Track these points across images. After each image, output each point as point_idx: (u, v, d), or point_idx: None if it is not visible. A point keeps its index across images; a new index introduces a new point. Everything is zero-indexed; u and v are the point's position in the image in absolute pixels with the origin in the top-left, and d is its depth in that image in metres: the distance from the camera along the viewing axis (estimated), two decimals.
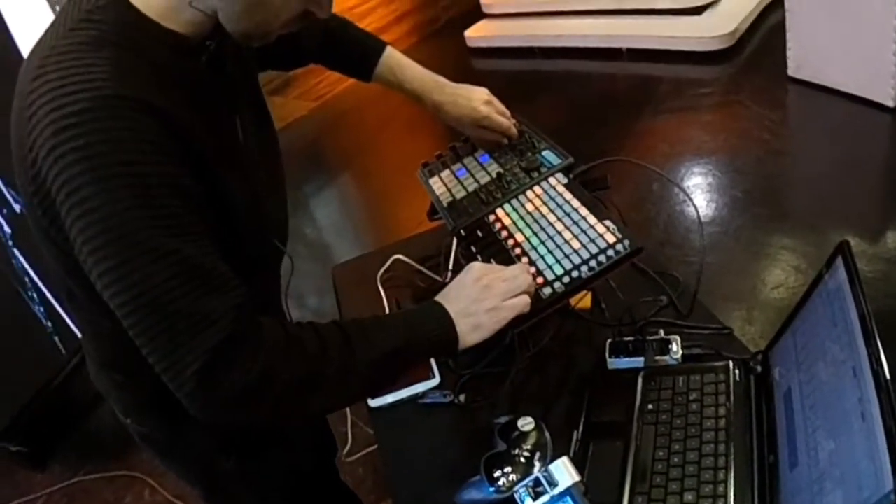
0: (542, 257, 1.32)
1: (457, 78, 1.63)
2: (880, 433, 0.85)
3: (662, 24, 5.33)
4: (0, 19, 3.10)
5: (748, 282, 3.07)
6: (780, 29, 4.30)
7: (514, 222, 1.43)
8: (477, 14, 6.58)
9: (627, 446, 1.23)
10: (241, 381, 0.97)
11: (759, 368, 1.28)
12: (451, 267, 1.74)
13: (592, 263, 1.26)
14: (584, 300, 1.53)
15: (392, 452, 1.43)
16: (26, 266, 3.06)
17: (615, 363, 1.39)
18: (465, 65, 6.08)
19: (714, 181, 3.76)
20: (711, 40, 4.96)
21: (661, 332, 1.41)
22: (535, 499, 1.06)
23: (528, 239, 1.38)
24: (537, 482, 1.07)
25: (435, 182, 1.67)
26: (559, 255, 1.31)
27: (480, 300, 1.18)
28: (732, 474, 1.12)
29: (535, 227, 1.39)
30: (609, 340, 1.42)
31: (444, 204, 1.58)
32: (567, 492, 1.04)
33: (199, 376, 0.94)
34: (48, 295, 3.12)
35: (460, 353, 1.19)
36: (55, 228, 0.98)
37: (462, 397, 1.45)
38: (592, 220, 1.34)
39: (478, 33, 6.35)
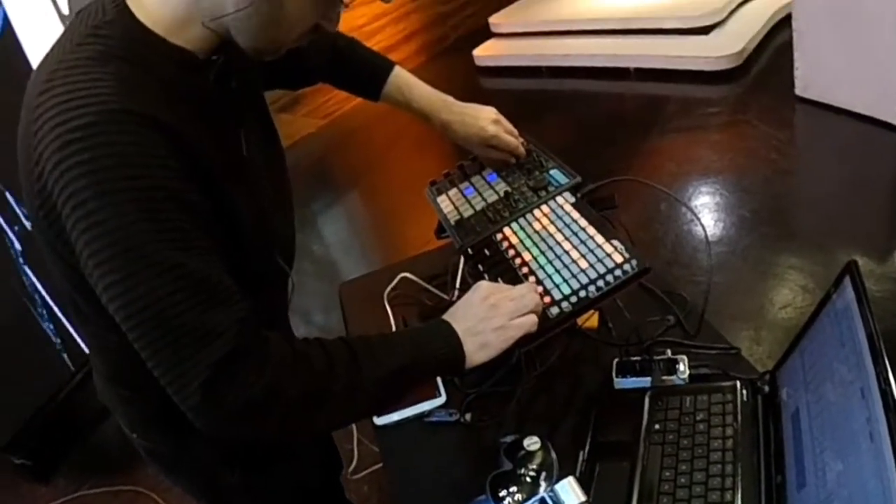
0: (549, 276, 1.32)
1: (465, 97, 1.64)
2: (889, 453, 0.84)
3: (670, 43, 5.35)
4: (11, 32, 3.12)
5: (756, 301, 3.06)
6: (788, 48, 4.31)
7: (521, 241, 1.43)
8: (485, 33, 6.62)
9: (634, 466, 1.22)
10: (245, 395, 0.97)
11: (766, 388, 1.27)
12: (458, 285, 1.74)
13: (600, 283, 1.26)
14: (591, 319, 1.53)
15: (398, 471, 1.43)
16: (36, 283, 3.07)
17: (622, 383, 1.39)
18: (474, 84, 6.10)
19: (722, 201, 3.76)
20: (719, 60, 4.97)
21: (669, 351, 1.40)
22: None
23: (535, 258, 1.38)
24: (543, 502, 1.06)
25: (443, 200, 1.67)
26: (566, 274, 1.31)
27: (488, 319, 1.18)
28: (740, 495, 1.11)
29: (543, 247, 1.39)
30: (616, 360, 1.42)
31: (452, 222, 1.59)
32: None
33: (204, 389, 0.94)
34: (58, 312, 3.13)
35: (467, 372, 1.19)
36: (61, 242, 0.98)
37: (468, 416, 1.44)
38: (600, 239, 1.34)
39: (486, 52, 6.38)
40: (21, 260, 3.01)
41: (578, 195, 1.50)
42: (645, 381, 1.37)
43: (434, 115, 1.60)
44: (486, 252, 1.46)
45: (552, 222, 1.44)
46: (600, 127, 4.90)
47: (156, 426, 1.33)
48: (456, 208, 1.62)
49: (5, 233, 2.97)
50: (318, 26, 1.10)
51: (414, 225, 3.92)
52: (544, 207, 1.49)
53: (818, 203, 3.63)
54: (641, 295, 1.59)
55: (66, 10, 3.43)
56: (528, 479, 1.14)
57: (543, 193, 1.52)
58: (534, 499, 1.08)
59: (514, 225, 1.48)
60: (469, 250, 1.49)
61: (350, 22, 5.96)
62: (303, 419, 1.05)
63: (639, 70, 5.37)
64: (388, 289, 1.84)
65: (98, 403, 1.40)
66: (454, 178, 1.72)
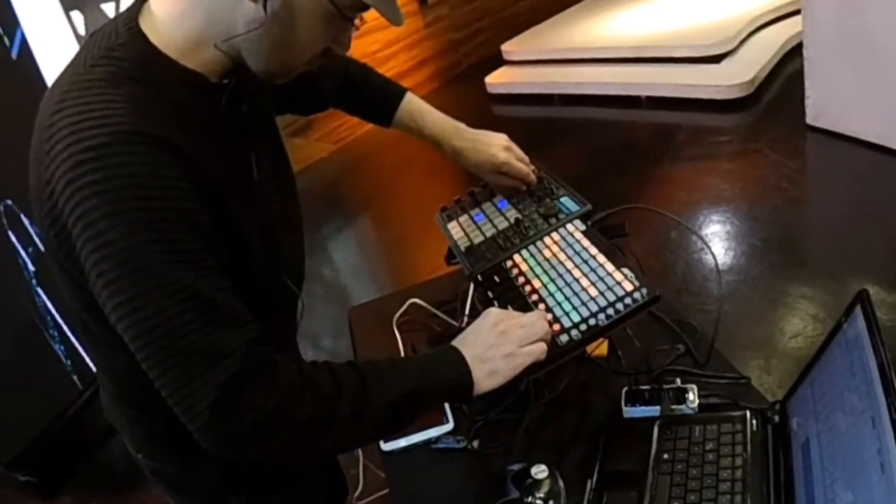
0: (558, 304, 1.32)
1: (477, 124, 1.64)
2: None
3: (681, 72, 5.36)
4: (28, 53, 3.16)
5: (766, 330, 3.05)
6: (799, 77, 4.32)
7: (531, 268, 1.43)
8: (497, 61, 6.66)
9: (642, 496, 1.21)
10: (253, 416, 0.97)
11: (776, 418, 1.26)
12: (467, 312, 1.74)
13: (609, 311, 1.26)
14: (600, 348, 1.52)
15: (404, 497, 1.42)
16: (49, 304, 3.08)
17: (631, 412, 1.38)
18: (485, 111, 6.12)
19: (732, 229, 3.75)
20: (730, 88, 4.98)
21: (678, 380, 1.40)
22: None
23: (545, 285, 1.37)
24: None
25: (453, 227, 1.68)
26: (576, 302, 1.31)
27: (497, 346, 1.18)
28: None
29: (553, 274, 1.39)
30: (625, 389, 1.41)
31: (462, 249, 1.59)
32: None
33: (211, 410, 0.95)
34: (69, 333, 3.14)
35: (475, 399, 1.18)
36: (71, 261, 0.99)
37: (476, 443, 1.44)
38: (610, 267, 1.34)
39: (498, 80, 6.41)
40: (34, 281, 3.03)
41: (589, 223, 1.50)
42: (654, 410, 1.36)
43: (446, 142, 1.61)
44: (496, 279, 1.46)
45: (562, 250, 1.44)
46: (611, 155, 4.91)
47: (162, 447, 1.33)
48: (466, 234, 1.62)
49: (19, 254, 2.99)
50: (329, 50, 1.11)
51: (424, 251, 3.93)
52: (554, 235, 1.49)
53: (829, 232, 3.62)
54: (651, 323, 1.59)
55: (82, 31, 3.48)
56: None
57: (554, 221, 1.53)
58: None
59: (524, 252, 1.48)
60: (479, 277, 1.49)
61: (363, 48, 6.01)
62: (309, 442, 1.05)
63: (650, 98, 5.39)
64: (398, 314, 1.84)
65: (105, 422, 1.40)
66: (465, 205, 1.73)
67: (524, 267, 1.44)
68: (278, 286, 1.27)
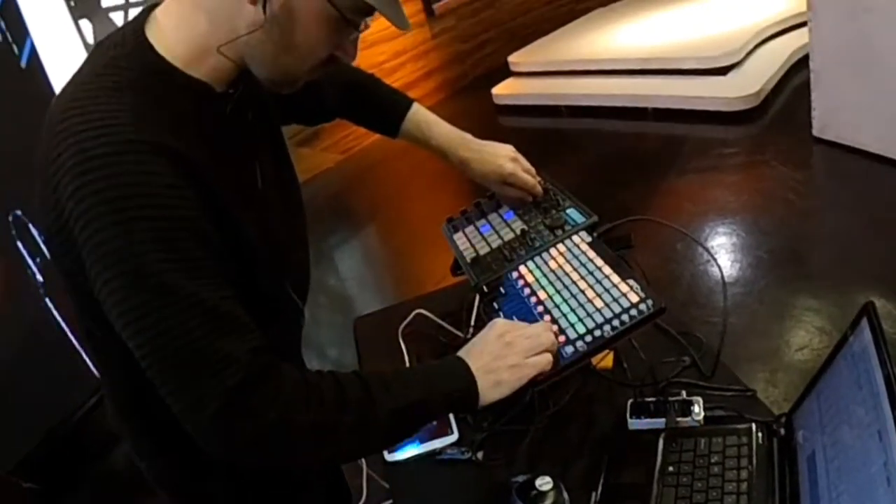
0: (564, 315, 1.32)
1: (483, 135, 1.65)
2: None
3: (688, 84, 5.37)
4: (38, 62, 3.17)
5: (772, 343, 3.04)
6: (805, 89, 4.32)
7: (537, 280, 1.43)
8: (504, 72, 6.67)
9: None
10: (256, 423, 0.98)
11: (782, 431, 1.26)
12: (472, 323, 1.74)
13: (615, 323, 1.26)
14: (605, 359, 1.52)
15: None
16: (56, 315, 3.09)
17: (636, 424, 1.38)
18: (492, 122, 6.14)
19: (738, 241, 3.75)
20: (736, 100, 4.98)
21: (684, 392, 1.40)
22: None
23: (550, 297, 1.37)
24: None
25: (459, 238, 1.68)
26: (582, 313, 1.30)
27: (503, 357, 1.18)
28: None
29: (559, 285, 1.39)
30: (630, 401, 1.41)
31: (468, 260, 1.59)
32: None
33: (216, 417, 0.95)
34: (76, 344, 3.14)
35: (480, 410, 1.18)
36: (76, 269, 0.99)
37: (480, 454, 1.43)
38: (616, 279, 1.33)
39: (505, 91, 6.42)
40: (42, 291, 3.04)
41: (595, 234, 1.50)
42: (659, 423, 1.36)
43: (452, 153, 1.61)
44: (502, 290, 1.46)
45: (568, 261, 1.44)
46: (618, 166, 4.92)
47: (165, 454, 1.32)
48: (472, 245, 1.62)
49: (27, 264, 2.99)
50: (334, 59, 1.11)
51: (430, 261, 3.94)
52: (560, 246, 1.49)
53: (835, 244, 3.61)
54: (657, 335, 1.58)
55: (91, 40, 3.49)
56: None
57: (560, 232, 1.53)
58: None
59: (529, 263, 1.48)
60: (484, 288, 1.49)
61: (370, 58, 6.03)
62: (312, 449, 1.06)
63: (657, 110, 5.39)
64: (403, 325, 1.83)
65: (109, 430, 1.40)
66: (471, 216, 1.73)
67: (530, 278, 1.44)
68: (281, 297, 1.27)
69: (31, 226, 2.94)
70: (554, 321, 1.31)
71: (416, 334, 1.82)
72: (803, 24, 4.41)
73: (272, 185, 1.24)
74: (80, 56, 3.34)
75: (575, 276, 1.39)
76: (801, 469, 1.15)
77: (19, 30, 3.11)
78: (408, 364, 1.73)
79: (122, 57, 1.03)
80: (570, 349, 1.25)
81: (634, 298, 1.28)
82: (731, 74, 5.29)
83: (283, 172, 1.32)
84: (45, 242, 1.13)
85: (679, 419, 1.35)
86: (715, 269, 3.55)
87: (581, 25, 7.11)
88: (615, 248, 1.45)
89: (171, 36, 1.05)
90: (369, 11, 1.06)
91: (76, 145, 0.94)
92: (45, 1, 3.29)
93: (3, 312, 2.96)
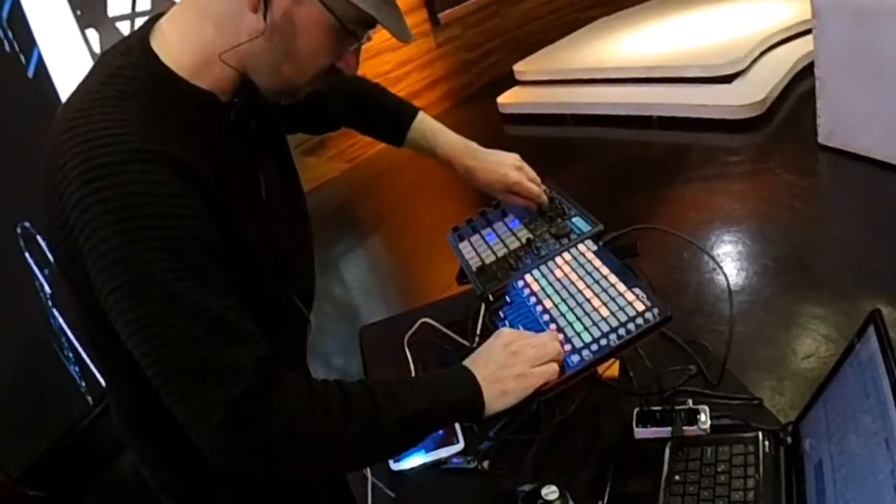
0: (570, 324, 1.32)
1: (489, 144, 1.65)
2: None
3: (693, 92, 5.37)
4: (45, 71, 3.18)
5: (778, 351, 3.03)
6: (810, 97, 4.32)
7: (542, 288, 1.43)
8: (510, 81, 6.68)
9: None
10: (262, 433, 0.98)
11: (789, 440, 1.26)
12: (478, 332, 1.74)
13: (621, 331, 1.26)
14: (611, 368, 1.52)
15: None
16: (64, 326, 3.09)
17: (642, 433, 1.38)
18: (498, 131, 6.14)
19: (744, 249, 3.74)
20: (741, 108, 4.99)
21: (690, 401, 1.39)
22: None
23: (556, 305, 1.37)
24: None
25: (464, 246, 1.68)
26: (587, 322, 1.30)
27: (508, 366, 1.17)
28: None
29: (564, 294, 1.39)
30: (636, 409, 1.41)
31: (473, 268, 1.59)
32: None
33: (221, 426, 0.95)
34: (83, 355, 3.15)
35: (486, 419, 1.18)
36: (81, 277, 1.00)
37: (486, 463, 1.43)
38: (621, 287, 1.33)
39: (510, 100, 6.43)
40: (50, 302, 3.04)
41: (600, 243, 1.50)
42: (665, 431, 1.36)
43: (458, 161, 1.61)
44: (507, 299, 1.46)
45: (574, 270, 1.44)
46: (623, 175, 4.92)
47: (169, 463, 1.33)
48: (478, 254, 1.62)
49: (35, 276, 3.00)
50: (335, 70, 1.11)
51: (435, 270, 3.93)
52: (566, 255, 1.49)
53: (841, 252, 3.60)
54: (663, 344, 1.58)
55: (97, 49, 3.51)
56: None
57: (565, 241, 1.53)
58: None
59: (535, 272, 1.48)
60: (490, 297, 1.49)
61: (375, 68, 6.05)
62: (318, 458, 1.05)
63: (662, 118, 5.39)
64: (409, 333, 1.83)
65: (115, 438, 1.40)
66: (476, 224, 1.73)
67: (536, 287, 1.44)
68: (287, 305, 1.28)
69: (39, 237, 2.95)
70: (560, 330, 1.31)
71: (422, 343, 1.82)
72: (808, 32, 4.41)
73: (277, 194, 1.24)
74: (87, 65, 3.35)
75: (581, 285, 1.39)
76: (808, 478, 1.15)
77: (26, 39, 3.12)
78: (413, 373, 1.73)
79: (128, 66, 1.04)
80: (576, 358, 1.25)
81: (640, 307, 1.28)
82: (736, 82, 5.30)
83: (288, 181, 1.32)
84: (50, 251, 1.13)
85: (685, 428, 1.34)
86: (721, 277, 3.54)
87: (586, 34, 7.12)
88: (621, 256, 1.45)
89: (176, 45, 1.06)
90: (371, 23, 1.07)
91: (81, 154, 0.94)
92: (52, 11, 3.31)
93: (10, 322, 2.97)
